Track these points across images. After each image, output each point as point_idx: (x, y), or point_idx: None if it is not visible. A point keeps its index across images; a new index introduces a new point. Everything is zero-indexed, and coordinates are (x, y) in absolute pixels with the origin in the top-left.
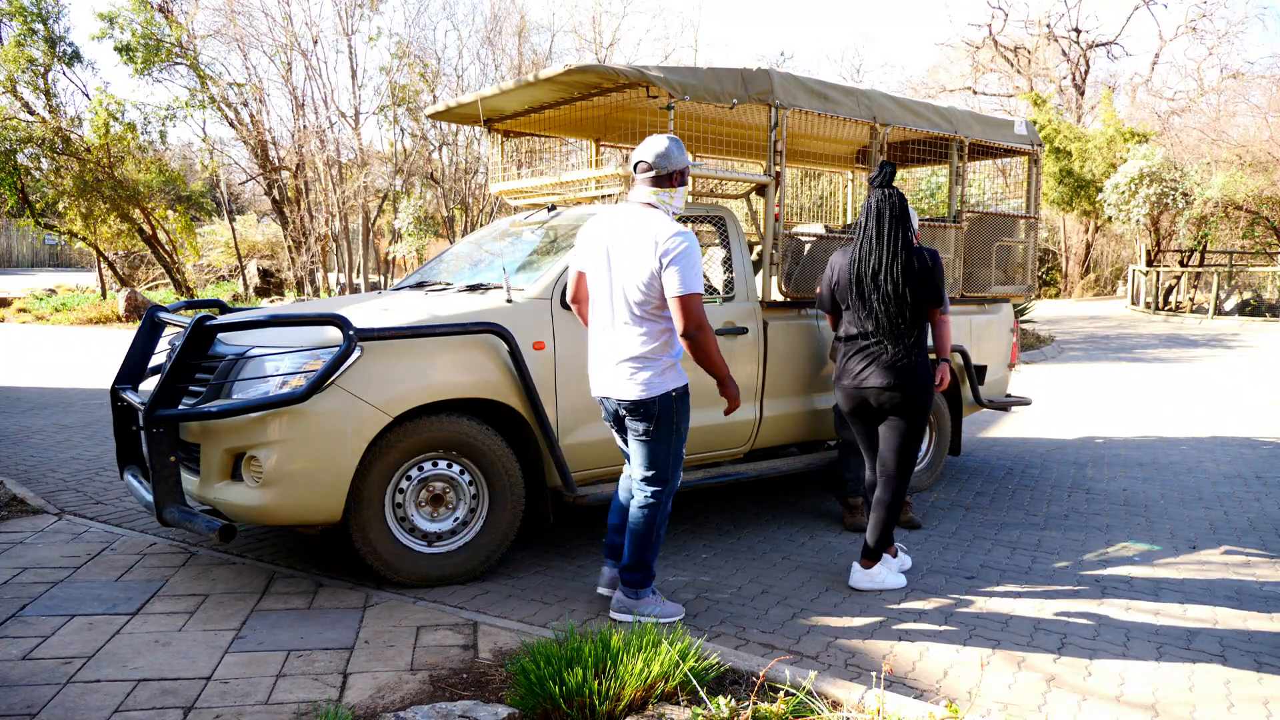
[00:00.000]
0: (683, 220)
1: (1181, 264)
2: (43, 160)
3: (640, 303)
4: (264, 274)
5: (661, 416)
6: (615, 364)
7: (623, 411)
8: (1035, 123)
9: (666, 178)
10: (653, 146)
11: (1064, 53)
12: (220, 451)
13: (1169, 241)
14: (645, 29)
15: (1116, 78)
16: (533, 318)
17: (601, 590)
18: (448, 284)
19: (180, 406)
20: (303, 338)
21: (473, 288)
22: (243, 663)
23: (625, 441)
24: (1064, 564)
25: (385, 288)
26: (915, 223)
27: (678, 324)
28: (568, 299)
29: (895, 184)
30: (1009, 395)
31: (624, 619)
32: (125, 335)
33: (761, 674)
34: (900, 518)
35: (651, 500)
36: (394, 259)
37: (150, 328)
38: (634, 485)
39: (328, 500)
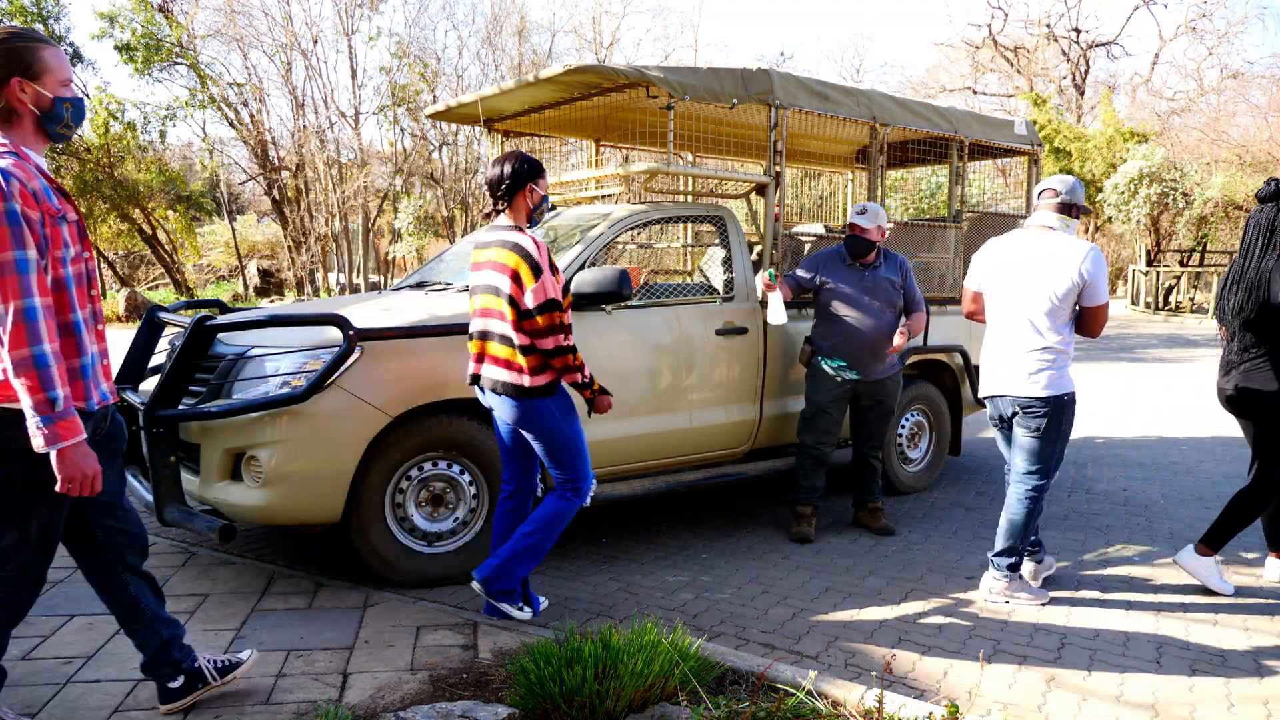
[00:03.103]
0: (681, 220)
1: (1181, 264)
2: None
3: (1051, 311)
4: (264, 274)
5: (1053, 416)
6: (1020, 365)
7: (1017, 409)
8: (1035, 123)
9: (1068, 208)
10: (1064, 180)
11: (1064, 53)
12: (220, 451)
13: (1169, 241)
14: (645, 29)
15: (1116, 78)
16: None
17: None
18: (448, 284)
19: (180, 406)
20: (303, 338)
21: None
22: None
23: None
24: (1064, 564)
25: (385, 288)
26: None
27: (1092, 329)
28: (963, 313)
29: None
30: None
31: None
32: (125, 335)
33: (761, 674)
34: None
35: (1034, 493)
36: (394, 259)
37: (150, 328)
38: (1016, 479)
39: (328, 500)
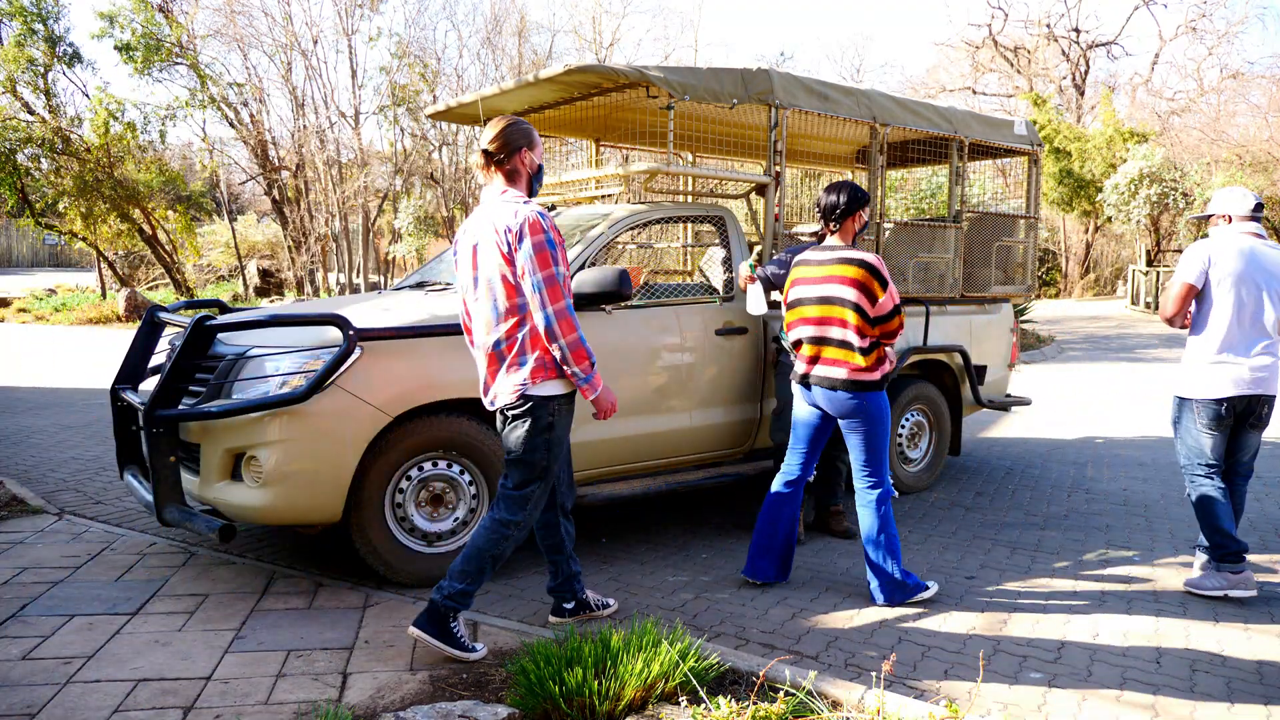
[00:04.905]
0: (681, 220)
1: None
2: (43, 160)
3: None
4: (264, 274)
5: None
6: (1267, 368)
7: (1260, 408)
8: (1035, 123)
9: (1257, 219)
10: (1255, 198)
11: (1064, 53)
12: (220, 451)
13: (1169, 241)
14: (645, 29)
15: (1116, 78)
16: None
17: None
18: (448, 284)
19: (180, 406)
20: (303, 338)
21: None
22: (243, 663)
23: (1225, 440)
24: (1064, 564)
25: (385, 288)
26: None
27: None
28: (1166, 315)
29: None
30: (1009, 395)
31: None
32: (125, 335)
33: (761, 674)
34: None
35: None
36: (394, 259)
37: (150, 328)
38: (1245, 473)
39: (328, 500)
